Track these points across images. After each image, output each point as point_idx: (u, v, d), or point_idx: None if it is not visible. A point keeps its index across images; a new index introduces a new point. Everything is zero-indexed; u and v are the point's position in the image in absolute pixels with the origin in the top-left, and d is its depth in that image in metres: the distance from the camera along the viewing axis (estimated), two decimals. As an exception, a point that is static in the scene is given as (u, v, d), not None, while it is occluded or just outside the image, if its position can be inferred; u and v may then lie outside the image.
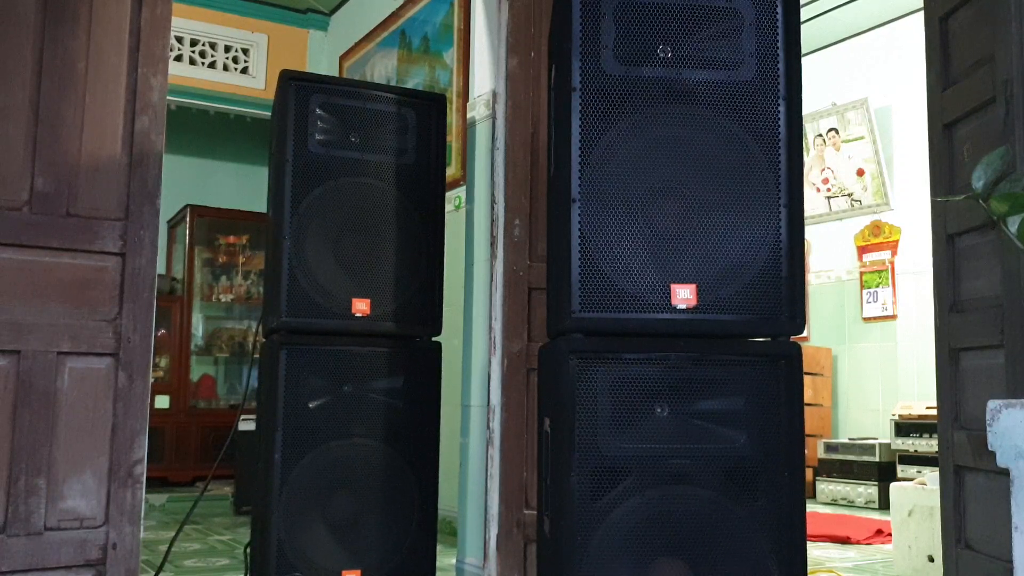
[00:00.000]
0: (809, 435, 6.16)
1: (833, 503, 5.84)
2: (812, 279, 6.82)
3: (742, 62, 1.78)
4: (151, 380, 2.34)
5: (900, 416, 5.60)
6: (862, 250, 6.49)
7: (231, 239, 7.06)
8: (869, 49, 6.56)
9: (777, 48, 1.80)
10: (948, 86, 2.35)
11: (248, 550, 2.61)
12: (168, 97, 2.43)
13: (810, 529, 4.06)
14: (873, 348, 6.36)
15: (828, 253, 6.78)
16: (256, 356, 2.75)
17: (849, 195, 6.59)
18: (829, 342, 6.64)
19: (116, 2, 2.35)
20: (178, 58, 6.21)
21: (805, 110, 2.70)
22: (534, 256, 2.84)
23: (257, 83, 6.45)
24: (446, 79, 4.96)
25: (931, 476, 3.36)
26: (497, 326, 2.86)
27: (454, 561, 3.15)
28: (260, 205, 4.93)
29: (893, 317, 6.23)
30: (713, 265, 1.73)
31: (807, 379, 6.12)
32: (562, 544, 1.66)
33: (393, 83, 5.47)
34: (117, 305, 2.28)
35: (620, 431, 1.69)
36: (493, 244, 2.92)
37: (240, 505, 5.08)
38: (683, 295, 1.71)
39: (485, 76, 3.10)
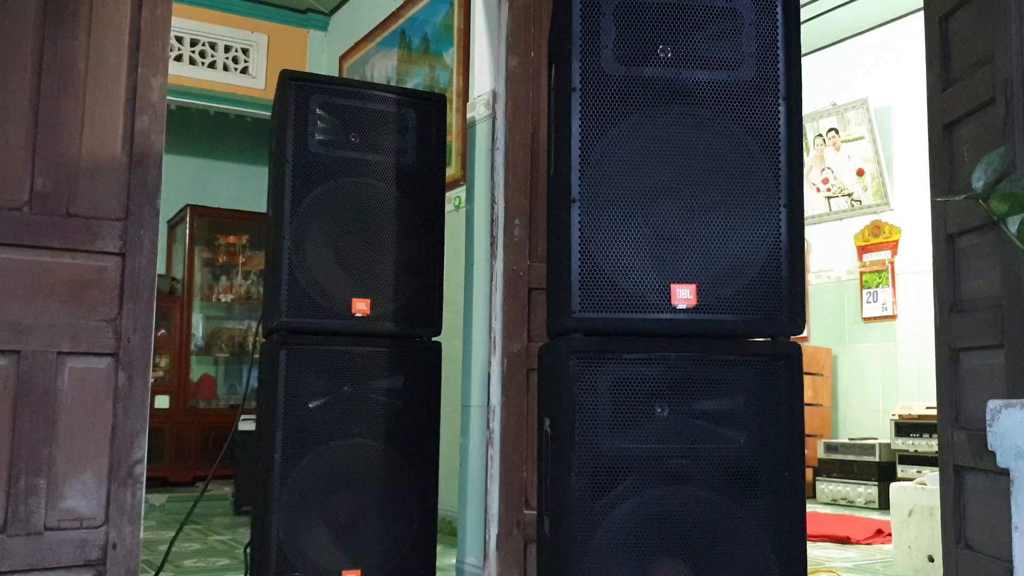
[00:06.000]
0: (809, 435, 6.16)
1: (833, 503, 5.84)
2: (812, 279, 6.82)
3: (742, 62, 1.78)
4: (151, 380, 2.34)
5: (900, 416, 5.60)
6: (862, 250, 6.49)
7: (231, 239, 7.06)
8: (869, 49, 6.56)
9: (777, 48, 1.80)
10: (948, 86, 2.35)
11: (248, 550, 2.61)
12: (168, 97, 2.43)
13: (810, 529, 4.06)
14: (873, 348, 6.36)
15: (828, 253, 6.78)
16: (256, 356, 2.75)
17: (849, 195, 6.59)
18: (829, 342, 6.64)
19: (116, 2, 2.35)
20: (178, 58, 6.21)
21: (805, 110, 2.70)
22: (534, 256, 2.84)
23: (257, 83, 6.44)
24: (446, 79, 4.96)
25: (931, 476, 3.36)
26: (497, 326, 2.86)
27: (454, 561, 3.15)
28: (260, 205, 4.93)
29: (893, 317, 6.23)
30: (713, 265, 1.73)
31: (807, 379, 6.12)
32: (562, 544, 1.66)
33: (393, 83, 5.46)
34: (117, 305, 2.28)
35: (620, 431, 1.69)
36: (493, 244, 2.92)
37: (240, 505, 5.08)
38: (683, 295, 1.71)
39: (485, 76, 3.10)
